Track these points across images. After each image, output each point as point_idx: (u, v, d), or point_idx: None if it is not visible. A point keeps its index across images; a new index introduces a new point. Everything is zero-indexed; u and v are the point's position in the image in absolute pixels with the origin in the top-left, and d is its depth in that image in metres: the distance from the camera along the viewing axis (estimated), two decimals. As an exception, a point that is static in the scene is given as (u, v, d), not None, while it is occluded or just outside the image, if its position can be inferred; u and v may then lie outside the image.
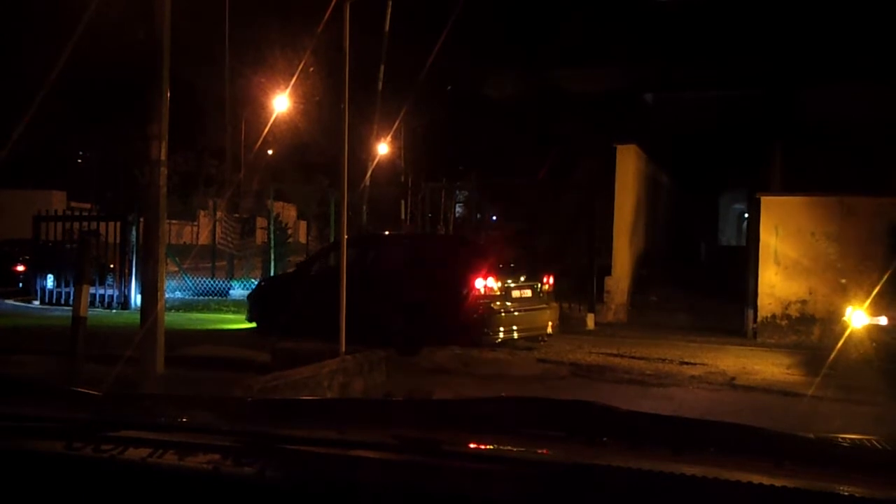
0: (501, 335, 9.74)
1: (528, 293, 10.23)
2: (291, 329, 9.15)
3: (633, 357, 9.71)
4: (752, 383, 8.29)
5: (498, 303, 9.74)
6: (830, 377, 7.98)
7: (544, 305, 10.49)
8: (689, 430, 1.55)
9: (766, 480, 1.15)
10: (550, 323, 10.50)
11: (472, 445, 1.34)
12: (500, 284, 9.79)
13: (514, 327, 9.85)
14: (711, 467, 1.20)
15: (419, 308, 9.72)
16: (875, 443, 1.49)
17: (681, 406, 7.17)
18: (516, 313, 9.91)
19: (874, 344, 8.48)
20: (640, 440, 1.41)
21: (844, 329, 8.80)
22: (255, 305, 11.44)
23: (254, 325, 11.27)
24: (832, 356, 8.46)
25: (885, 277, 9.14)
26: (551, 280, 10.78)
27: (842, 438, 1.54)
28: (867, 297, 8.98)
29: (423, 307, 9.72)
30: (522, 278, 10.27)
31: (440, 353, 9.26)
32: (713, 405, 7.35)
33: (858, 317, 8.73)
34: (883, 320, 8.53)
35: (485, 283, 9.67)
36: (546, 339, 10.49)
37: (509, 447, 1.36)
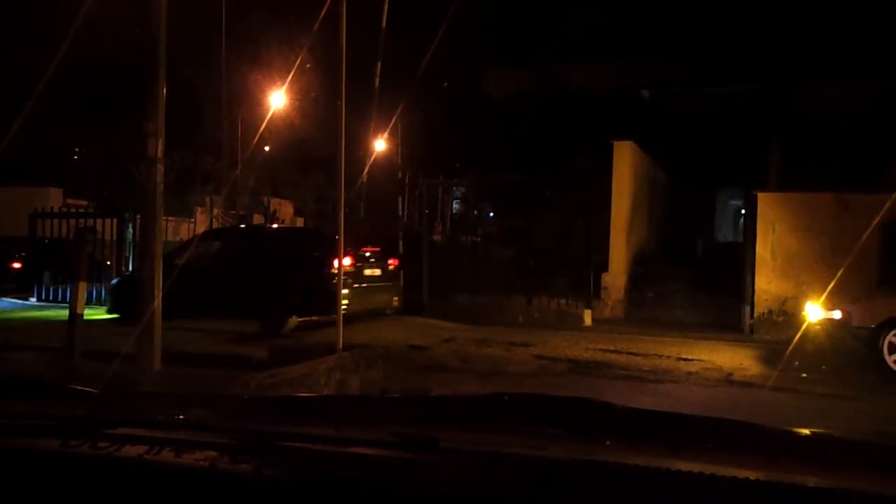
0: (354, 306, 11.08)
1: (377, 272, 12.22)
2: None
3: (630, 353, 9.71)
4: (747, 379, 8.31)
5: (349, 280, 11.00)
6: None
7: (390, 283, 12.56)
8: (687, 427, 1.55)
9: (763, 477, 1.15)
10: (396, 298, 12.59)
11: (469, 442, 1.34)
12: (350, 265, 11.35)
13: (365, 299, 11.68)
14: (709, 463, 1.20)
15: (282, 287, 11.01)
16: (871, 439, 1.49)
17: (678, 402, 7.19)
18: (365, 286, 11.75)
19: (828, 338, 8.69)
20: (638, 437, 1.41)
21: (803, 323, 9.04)
22: (117, 298, 12.24)
23: (116, 315, 11.95)
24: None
25: (839, 273, 9.24)
26: (395, 262, 12.86)
27: (839, 435, 1.54)
28: (824, 292, 9.24)
29: (286, 286, 11.00)
30: (372, 260, 12.16)
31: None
32: (710, 401, 7.37)
33: (814, 311, 8.94)
34: (837, 314, 8.73)
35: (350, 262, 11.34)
36: (391, 312, 12.33)
37: (507, 444, 1.36)
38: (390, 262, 12.74)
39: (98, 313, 12.47)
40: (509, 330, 11.65)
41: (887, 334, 8.45)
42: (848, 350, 8.52)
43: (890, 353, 8.47)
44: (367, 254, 12.22)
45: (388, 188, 19.66)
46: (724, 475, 1.16)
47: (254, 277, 11.15)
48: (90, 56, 17.33)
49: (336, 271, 9.49)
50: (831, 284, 9.06)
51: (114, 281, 13.26)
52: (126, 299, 11.42)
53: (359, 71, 14.05)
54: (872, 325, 8.53)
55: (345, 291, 10.25)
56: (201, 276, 10.84)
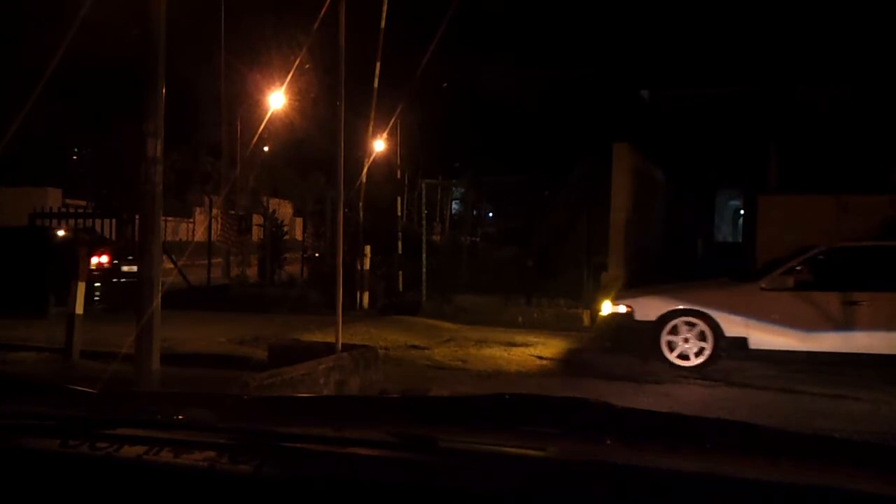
0: (110, 298, 12.61)
1: (136, 269, 13.02)
2: None
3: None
4: (746, 379, 8.31)
5: (106, 275, 12.74)
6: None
7: (75, 277, 13.53)
8: (686, 427, 1.55)
9: (763, 477, 1.15)
10: (82, 287, 13.77)
11: (469, 442, 1.34)
12: (108, 262, 12.96)
13: (123, 293, 12.41)
14: (708, 463, 1.20)
15: (47, 279, 12.25)
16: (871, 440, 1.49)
17: (677, 402, 7.20)
18: (124, 280, 12.78)
19: (615, 330, 9.41)
20: (637, 437, 1.41)
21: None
22: None
23: None
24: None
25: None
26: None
27: (838, 435, 1.54)
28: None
29: (53, 278, 11.99)
30: (130, 258, 12.92)
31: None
32: (708, 400, 7.38)
33: (606, 306, 9.56)
34: (622, 308, 9.28)
35: (98, 261, 12.62)
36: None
37: (506, 444, 1.36)
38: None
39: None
40: (509, 330, 11.66)
41: (664, 328, 8.97)
42: (635, 341, 9.20)
43: (669, 348, 8.96)
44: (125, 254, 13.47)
45: (388, 188, 19.68)
46: (724, 475, 1.16)
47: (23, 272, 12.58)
48: (90, 56, 17.32)
49: (94, 268, 11.27)
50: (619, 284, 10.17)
51: None
52: None
53: (358, 71, 14.05)
54: (653, 320, 9.05)
55: (97, 284, 12.28)
56: None
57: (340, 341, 7.09)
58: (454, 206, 27.14)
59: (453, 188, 21.77)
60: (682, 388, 7.92)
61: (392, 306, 14.26)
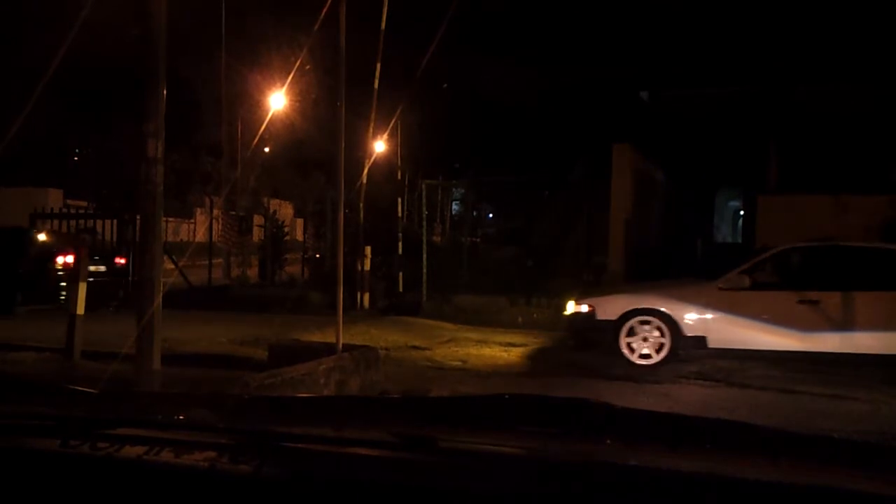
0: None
1: (102, 268, 13.48)
2: None
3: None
4: (746, 379, 8.31)
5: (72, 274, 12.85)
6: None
7: (118, 279, 13.90)
8: (686, 427, 1.55)
9: (762, 477, 1.15)
10: (121, 291, 13.70)
11: (469, 442, 1.34)
12: (73, 262, 12.89)
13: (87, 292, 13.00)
14: (708, 463, 1.20)
15: (16, 277, 12.83)
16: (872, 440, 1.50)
17: (677, 402, 7.20)
18: (91, 280, 12.70)
19: (577, 329, 9.66)
20: (637, 437, 1.41)
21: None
22: None
23: None
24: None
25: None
26: (124, 260, 14.16)
27: (838, 435, 1.54)
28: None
29: (20, 276, 12.85)
30: (97, 258, 13.17)
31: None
32: (708, 400, 7.38)
33: (570, 306, 9.71)
34: (584, 308, 9.44)
35: (64, 261, 12.93)
36: (116, 303, 13.21)
37: (506, 444, 1.36)
38: (118, 260, 14.27)
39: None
40: (509, 331, 11.66)
41: (623, 326, 9.07)
42: (597, 339, 9.44)
43: (629, 347, 9.06)
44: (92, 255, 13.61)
45: (388, 189, 19.68)
46: (724, 475, 1.16)
47: None
48: (90, 56, 17.31)
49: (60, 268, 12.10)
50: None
51: None
52: None
53: (358, 72, 14.05)
54: (613, 319, 9.14)
55: (64, 284, 12.37)
56: None
57: (341, 341, 7.09)
58: (454, 206, 27.13)
59: (453, 189, 21.76)
60: (682, 388, 7.93)
61: (392, 307, 14.27)
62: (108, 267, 13.73)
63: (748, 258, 9.47)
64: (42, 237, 14.06)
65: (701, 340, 8.90)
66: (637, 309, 9.10)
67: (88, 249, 13.22)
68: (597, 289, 10.30)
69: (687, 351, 8.96)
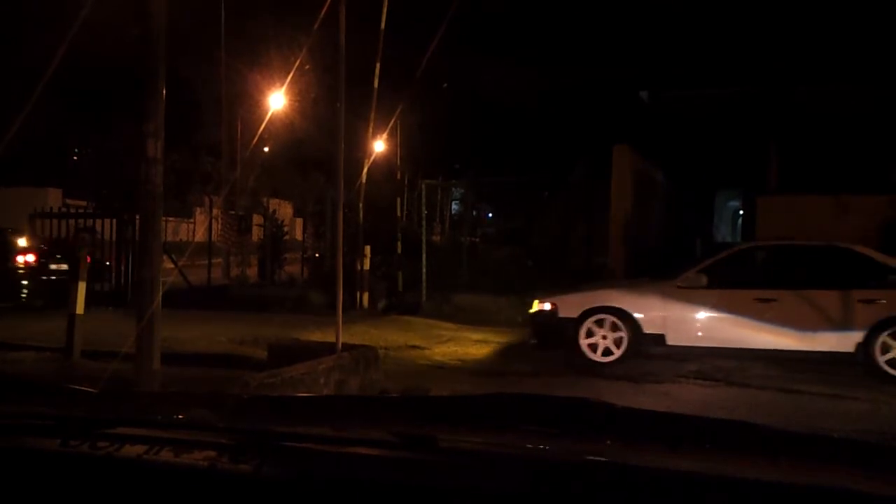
0: (36, 295, 13.39)
1: (64, 267, 13.17)
2: None
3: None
4: (746, 379, 8.31)
5: (37, 272, 13.60)
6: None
7: (76, 278, 14.52)
8: (686, 427, 1.55)
9: (762, 476, 1.15)
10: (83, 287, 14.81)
11: (469, 442, 1.34)
12: (35, 261, 13.65)
13: (51, 289, 13.15)
14: (708, 463, 1.20)
15: None
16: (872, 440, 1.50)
17: (676, 402, 7.20)
18: (54, 278, 13.50)
19: (539, 327, 9.50)
20: (638, 436, 1.41)
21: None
22: None
23: None
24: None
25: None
26: (88, 259, 14.55)
27: (838, 435, 1.55)
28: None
29: None
30: (59, 257, 13.58)
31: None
32: (708, 400, 7.38)
33: (535, 304, 9.65)
34: (547, 305, 9.40)
35: (25, 260, 13.57)
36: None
37: (507, 444, 1.36)
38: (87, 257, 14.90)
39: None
40: (508, 330, 11.65)
41: (583, 324, 9.09)
42: (558, 337, 9.33)
43: (589, 344, 9.09)
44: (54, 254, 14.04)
45: (388, 189, 19.69)
46: (724, 475, 1.16)
47: None
48: (90, 56, 17.31)
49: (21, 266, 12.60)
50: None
51: None
52: None
53: (358, 72, 14.06)
54: (574, 317, 9.15)
55: (24, 282, 13.19)
56: None
57: (340, 341, 7.09)
58: (454, 206, 27.11)
59: (453, 189, 21.76)
60: (682, 388, 7.92)
61: (392, 306, 14.27)
62: (69, 267, 13.96)
63: (706, 257, 9.52)
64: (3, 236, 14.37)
65: (660, 338, 8.93)
66: (598, 307, 9.12)
67: (43, 249, 14.07)
68: (558, 289, 10.23)
69: (646, 348, 9.00)
